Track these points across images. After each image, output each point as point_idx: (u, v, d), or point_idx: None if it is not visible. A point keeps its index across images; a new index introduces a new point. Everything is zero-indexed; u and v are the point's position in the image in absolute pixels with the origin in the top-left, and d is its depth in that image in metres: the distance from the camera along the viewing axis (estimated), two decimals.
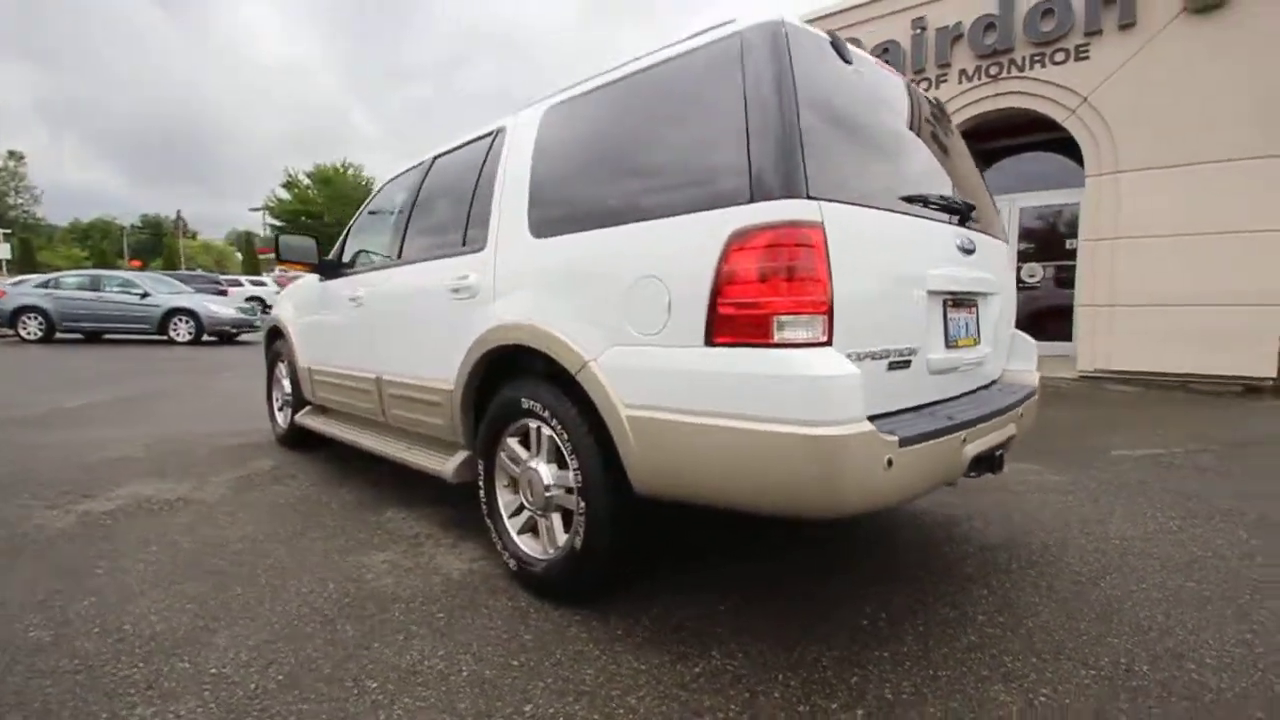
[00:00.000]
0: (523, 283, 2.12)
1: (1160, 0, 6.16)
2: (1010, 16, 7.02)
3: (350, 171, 23.41)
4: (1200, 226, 6.07)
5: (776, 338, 1.47)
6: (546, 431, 2.07)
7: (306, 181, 23.09)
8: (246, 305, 14.15)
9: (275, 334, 4.35)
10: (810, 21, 9.40)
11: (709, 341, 1.57)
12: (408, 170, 3.29)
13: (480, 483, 2.35)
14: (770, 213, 1.48)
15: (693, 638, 1.89)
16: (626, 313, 1.75)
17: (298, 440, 4.13)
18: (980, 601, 2.12)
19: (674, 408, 1.64)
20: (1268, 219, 5.75)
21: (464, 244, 2.51)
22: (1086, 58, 6.66)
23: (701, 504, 1.72)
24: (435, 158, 3.00)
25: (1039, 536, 2.69)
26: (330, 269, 3.60)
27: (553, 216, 2.07)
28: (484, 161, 2.55)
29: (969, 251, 1.99)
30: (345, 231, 3.65)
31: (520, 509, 2.25)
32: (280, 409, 4.41)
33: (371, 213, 3.59)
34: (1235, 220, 5.83)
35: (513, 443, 2.24)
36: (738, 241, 1.51)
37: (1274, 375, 5.89)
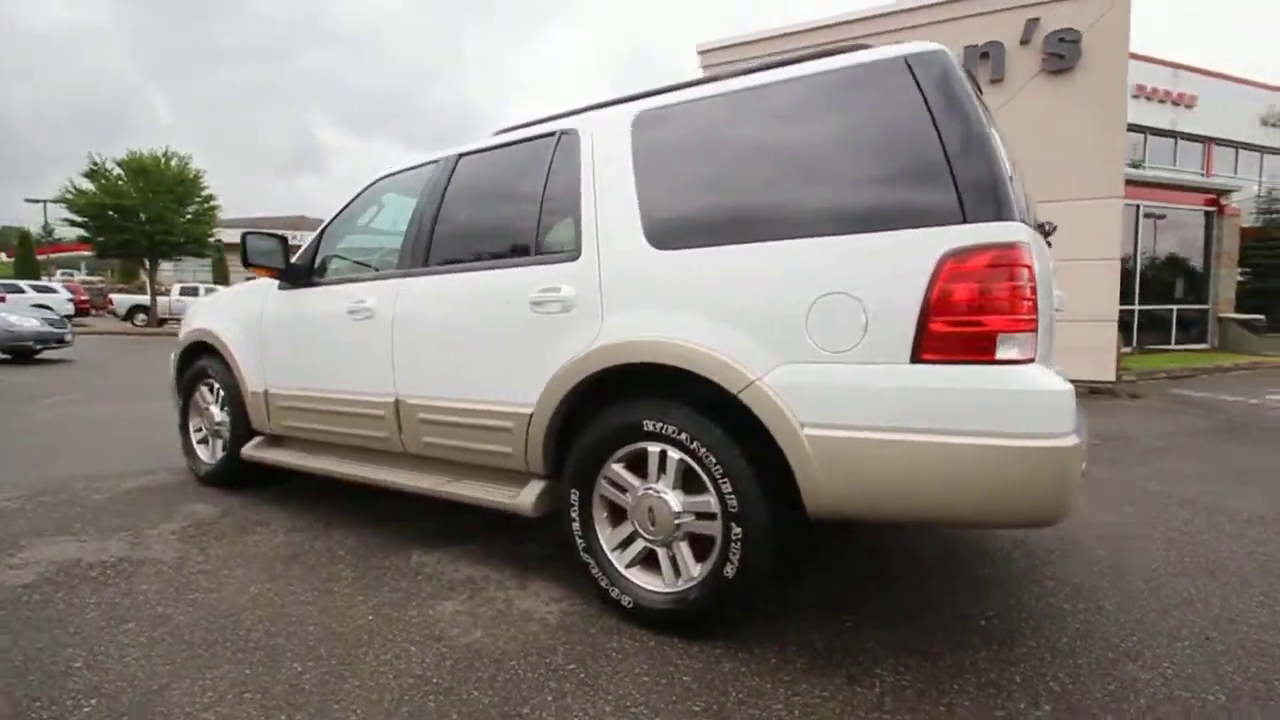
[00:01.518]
0: (647, 297, 1.98)
1: (1023, 61, 7.31)
2: None
3: (175, 162, 20.13)
4: (1057, 255, 7.20)
5: (998, 355, 1.51)
6: (675, 455, 1.94)
7: (117, 171, 19.55)
8: (55, 316, 11.65)
9: (198, 351, 3.65)
10: (714, 50, 9.85)
11: (916, 358, 1.58)
12: (413, 169, 2.94)
13: (574, 515, 2.14)
14: (990, 234, 1.53)
15: (847, 658, 1.87)
16: (805, 329, 1.70)
17: (237, 478, 3.49)
18: (1054, 591, 2.33)
19: (872, 425, 1.62)
20: (1107, 250, 7.02)
21: (537, 252, 2.30)
22: None
23: (886, 521, 1.71)
24: (460, 156, 2.72)
25: (1046, 529, 3.01)
26: (300, 275, 3.10)
27: (685, 228, 1.96)
28: (550, 166, 2.35)
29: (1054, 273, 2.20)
30: (317, 234, 3.16)
31: (629, 540, 2.08)
32: (202, 442, 3.70)
33: (356, 215, 3.15)
34: (1084, 250, 7.02)
35: (618, 469, 2.07)
36: (954, 261, 1.54)
37: (1113, 379, 7.18)
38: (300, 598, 2.24)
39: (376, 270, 3.00)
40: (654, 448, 1.99)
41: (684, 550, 1.97)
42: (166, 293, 22.99)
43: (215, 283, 27.80)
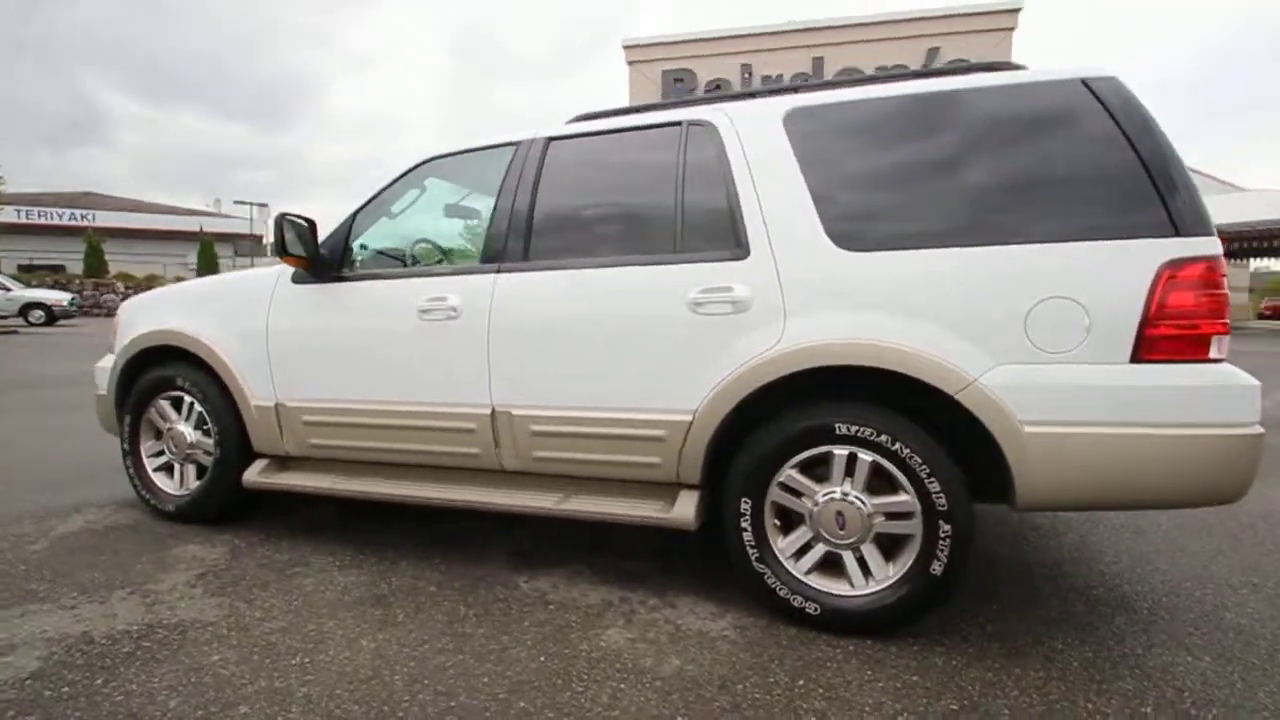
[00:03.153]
0: (840, 299, 1.95)
1: None
2: (820, 76, 8.46)
3: None
4: None
5: (1211, 354, 1.70)
6: (866, 457, 1.94)
7: None
8: None
9: (156, 357, 2.97)
10: (640, 46, 9.86)
11: (1136, 358, 1.72)
12: (473, 151, 2.64)
13: (745, 525, 2.06)
14: (1201, 246, 1.71)
15: (1024, 641, 1.98)
16: (1025, 332, 1.79)
17: (222, 511, 2.90)
18: (1116, 560, 2.65)
19: (1094, 421, 1.74)
20: None
21: (680, 249, 2.17)
22: None
23: (1091, 508, 1.85)
24: (549, 140, 2.48)
25: None
26: (332, 269, 2.65)
27: (882, 231, 1.96)
28: (683, 159, 2.23)
29: None
30: (347, 220, 2.70)
31: (806, 548, 2.05)
32: (162, 469, 3.02)
33: (398, 202, 2.75)
34: None
35: (794, 474, 2.03)
36: (1171, 269, 1.70)
37: None
38: (436, 645, 1.92)
39: (506, 262, 2.45)
40: (841, 450, 1.97)
41: (874, 552, 1.98)
42: None
43: None
